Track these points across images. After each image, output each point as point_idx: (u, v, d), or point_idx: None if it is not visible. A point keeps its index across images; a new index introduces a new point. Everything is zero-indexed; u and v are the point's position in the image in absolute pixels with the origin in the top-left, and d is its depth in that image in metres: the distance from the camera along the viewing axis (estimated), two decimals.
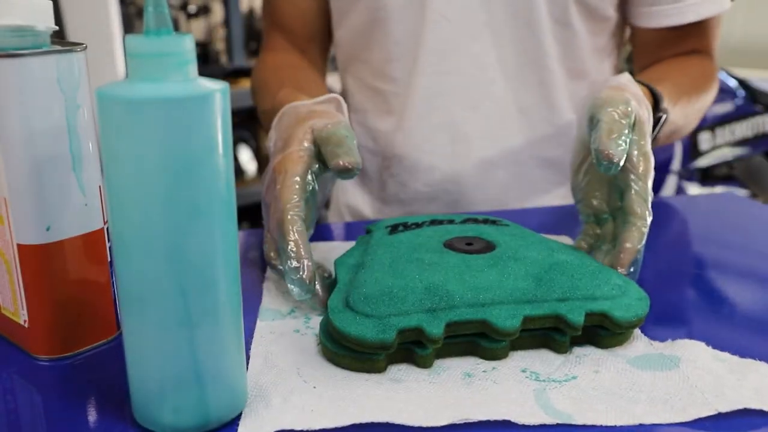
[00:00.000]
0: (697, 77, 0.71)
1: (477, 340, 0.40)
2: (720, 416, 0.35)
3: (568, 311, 0.40)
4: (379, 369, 0.39)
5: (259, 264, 0.56)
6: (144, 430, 0.34)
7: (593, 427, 0.35)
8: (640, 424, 0.35)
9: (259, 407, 0.36)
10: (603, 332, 0.41)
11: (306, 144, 0.48)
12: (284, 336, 0.43)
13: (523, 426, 0.35)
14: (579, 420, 0.35)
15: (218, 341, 0.33)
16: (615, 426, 0.35)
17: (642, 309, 0.41)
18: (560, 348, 0.41)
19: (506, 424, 0.35)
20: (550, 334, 0.41)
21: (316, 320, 0.45)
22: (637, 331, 0.43)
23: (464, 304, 0.39)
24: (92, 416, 0.36)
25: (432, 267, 0.42)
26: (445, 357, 0.40)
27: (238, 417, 0.35)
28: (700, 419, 0.35)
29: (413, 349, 0.39)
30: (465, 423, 0.35)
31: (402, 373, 0.39)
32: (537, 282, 0.41)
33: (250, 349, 0.41)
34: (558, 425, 0.35)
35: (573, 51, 0.72)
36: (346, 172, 0.46)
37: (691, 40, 0.73)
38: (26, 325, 0.41)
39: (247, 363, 0.40)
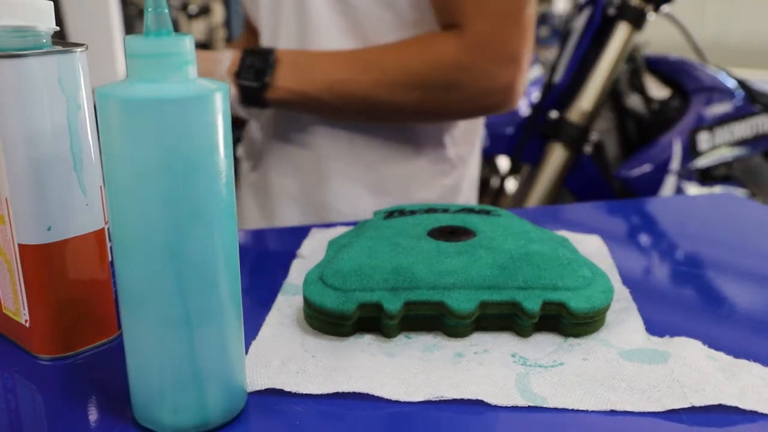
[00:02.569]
0: (394, 45, 0.71)
1: (441, 318, 0.43)
2: (696, 411, 0.36)
3: (525, 299, 0.42)
4: (345, 334, 0.43)
5: (259, 264, 0.56)
6: (144, 430, 0.34)
7: (565, 410, 0.35)
8: (612, 411, 0.36)
9: (259, 367, 0.39)
10: (565, 321, 0.42)
11: None
12: (299, 311, 0.46)
13: (496, 407, 0.36)
14: (552, 403, 0.36)
15: (218, 341, 0.34)
16: (587, 410, 0.36)
17: (602, 301, 0.42)
18: (523, 332, 0.43)
19: (481, 404, 0.36)
20: (514, 318, 0.43)
21: None
22: (638, 326, 0.44)
23: (426, 286, 0.42)
24: (92, 416, 0.36)
25: (405, 251, 0.45)
26: (410, 331, 0.43)
27: (238, 417, 0.35)
28: (675, 412, 0.36)
29: (380, 320, 0.42)
30: (440, 401, 0.36)
31: (398, 348, 0.41)
32: (501, 270, 0.43)
33: (256, 334, 0.43)
34: (530, 408, 0.36)
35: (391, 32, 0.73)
36: None
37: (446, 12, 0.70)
38: (27, 325, 0.41)
39: (258, 331, 0.43)
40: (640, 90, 1.33)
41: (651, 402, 0.36)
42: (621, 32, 1.20)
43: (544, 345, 0.42)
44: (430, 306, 0.42)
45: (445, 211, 0.52)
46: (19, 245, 0.39)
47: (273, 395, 0.37)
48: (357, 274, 0.43)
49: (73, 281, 0.40)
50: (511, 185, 1.61)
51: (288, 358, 0.40)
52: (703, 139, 1.26)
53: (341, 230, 0.61)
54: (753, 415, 0.35)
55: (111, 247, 0.42)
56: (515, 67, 0.70)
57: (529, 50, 0.71)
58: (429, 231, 0.48)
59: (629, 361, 0.40)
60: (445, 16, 0.70)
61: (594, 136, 1.22)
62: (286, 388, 0.37)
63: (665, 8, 1.22)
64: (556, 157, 1.21)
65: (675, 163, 1.22)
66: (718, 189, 1.31)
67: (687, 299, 0.51)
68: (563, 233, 0.60)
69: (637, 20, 1.20)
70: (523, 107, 1.50)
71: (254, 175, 0.85)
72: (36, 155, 0.38)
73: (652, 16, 1.22)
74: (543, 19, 2.95)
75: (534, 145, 1.26)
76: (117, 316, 0.43)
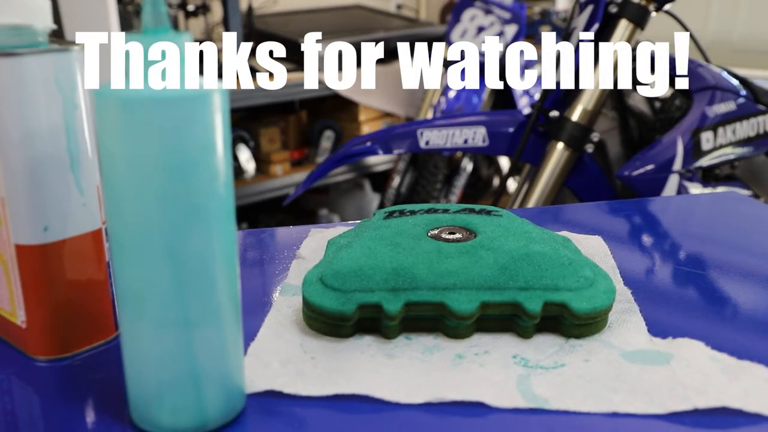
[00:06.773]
0: None
1: (442, 319, 0.42)
2: (699, 413, 0.35)
3: (526, 299, 0.42)
4: (344, 335, 0.42)
5: (259, 264, 0.55)
6: None
7: (567, 412, 0.35)
8: (615, 413, 0.35)
9: (258, 368, 0.39)
10: (567, 322, 0.42)
11: None
12: (298, 311, 0.45)
13: (497, 409, 0.36)
14: (554, 405, 0.36)
15: (216, 342, 0.33)
16: (589, 413, 0.35)
17: (604, 302, 0.42)
18: (524, 333, 0.42)
19: (482, 406, 0.36)
20: (515, 319, 0.42)
21: None
22: (640, 327, 0.43)
23: (426, 286, 0.42)
24: (90, 417, 0.36)
25: (406, 251, 0.44)
26: (410, 332, 0.43)
27: (237, 419, 0.35)
28: (678, 415, 0.35)
29: (379, 321, 0.42)
30: (441, 402, 0.36)
31: (398, 349, 0.41)
32: (502, 270, 0.43)
33: (255, 335, 0.42)
34: (531, 409, 0.35)
35: None
36: None
37: None
38: (24, 326, 0.40)
39: (257, 332, 0.43)
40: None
41: (653, 404, 0.36)
42: (622, 30, 1.19)
43: (545, 346, 0.41)
44: (431, 307, 0.42)
45: (446, 211, 0.51)
46: (16, 245, 0.39)
47: (272, 397, 0.37)
48: (357, 274, 0.42)
49: (70, 282, 0.40)
50: (512, 185, 1.61)
51: (287, 359, 0.40)
52: (707, 139, 1.26)
53: (341, 230, 0.60)
54: (757, 418, 0.35)
55: (109, 248, 0.41)
56: None
57: None
58: (429, 231, 0.47)
59: (631, 362, 0.39)
60: None
61: (596, 136, 1.22)
62: (286, 390, 0.37)
63: (667, 6, 1.21)
64: (558, 156, 1.21)
65: (678, 163, 1.21)
66: (720, 189, 1.30)
67: (689, 300, 0.50)
68: (564, 233, 0.60)
69: (639, 18, 1.19)
70: (524, 106, 1.50)
71: None
72: (32, 155, 0.37)
73: (654, 15, 1.21)
74: (543, 17, 2.95)
75: (535, 144, 1.25)
76: (114, 317, 0.43)
